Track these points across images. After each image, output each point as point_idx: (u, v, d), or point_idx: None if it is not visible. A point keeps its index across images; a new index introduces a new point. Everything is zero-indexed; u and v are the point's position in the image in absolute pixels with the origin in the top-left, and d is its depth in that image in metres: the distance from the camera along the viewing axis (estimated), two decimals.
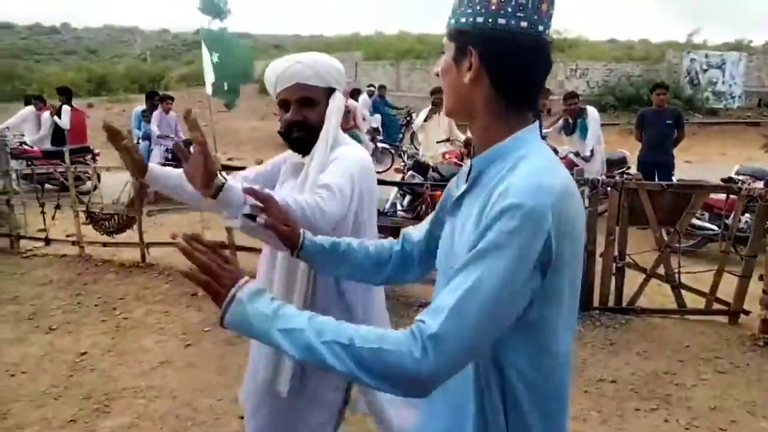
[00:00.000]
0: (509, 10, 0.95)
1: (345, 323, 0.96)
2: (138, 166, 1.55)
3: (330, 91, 1.68)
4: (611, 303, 4.20)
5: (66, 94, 9.02)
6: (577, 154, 6.78)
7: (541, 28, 0.98)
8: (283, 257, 1.63)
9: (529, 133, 1.02)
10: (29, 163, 7.74)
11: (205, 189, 1.25)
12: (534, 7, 0.96)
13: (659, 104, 6.72)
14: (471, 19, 0.98)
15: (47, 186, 7.56)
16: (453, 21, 1.03)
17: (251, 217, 1.22)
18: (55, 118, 8.83)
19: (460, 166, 6.91)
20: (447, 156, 6.79)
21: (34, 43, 51.39)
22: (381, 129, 12.37)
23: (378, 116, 13.00)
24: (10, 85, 23.43)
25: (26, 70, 32.68)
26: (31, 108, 9.07)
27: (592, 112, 6.87)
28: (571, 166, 6.83)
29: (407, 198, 5.60)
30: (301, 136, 1.65)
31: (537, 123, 1.04)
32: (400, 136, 13.36)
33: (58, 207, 5.75)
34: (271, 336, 0.96)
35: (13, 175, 6.34)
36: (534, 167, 0.95)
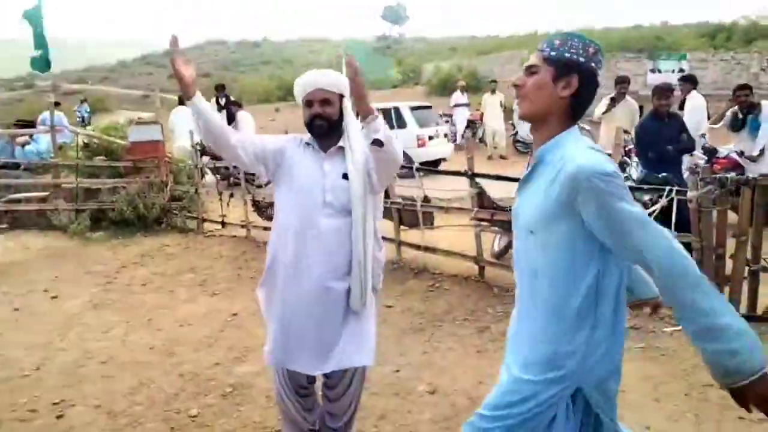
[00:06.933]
0: (597, 59, 1.53)
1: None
2: (186, 86, 2.12)
3: (341, 96, 2.28)
4: (744, 310, 3.88)
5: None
6: (741, 153, 6.16)
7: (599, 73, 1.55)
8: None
9: (574, 131, 1.53)
10: (214, 158, 9.13)
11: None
12: (601, 65, 1.54)
13: None
14: (575, 57, 1.50)
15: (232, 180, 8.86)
16: (554, 53, 1.51)
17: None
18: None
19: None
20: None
21: (241, 56, 58.33)
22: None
23: None
24: None
25: (233, 81, 37.54)
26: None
27: (767, 108, 6.16)
28: (734, 166, 6.23)
29: None
30: (322, 124, 2.24)
31: (577, 126, 1.56)
32: None
33: (231, 196, 6.81)
34: None
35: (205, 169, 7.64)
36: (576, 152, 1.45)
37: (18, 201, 7.42)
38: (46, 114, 10.02)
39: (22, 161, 8.54)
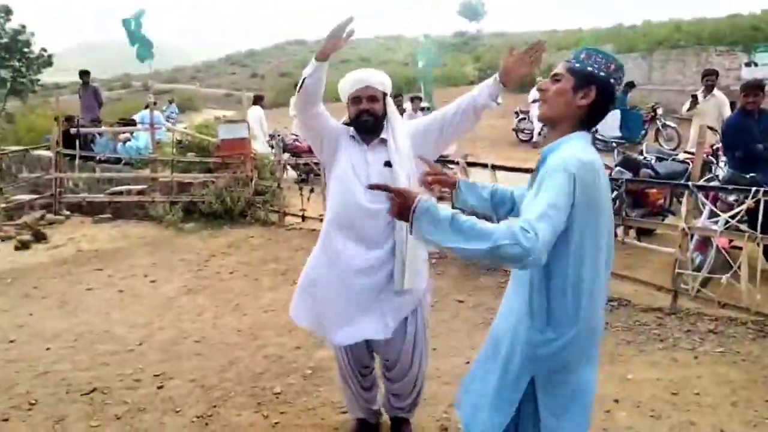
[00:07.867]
0: (617, 75, 1.68)
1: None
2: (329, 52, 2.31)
3: (385, 93, 2.48)
4: None
5: None
6: None
7: (617, 89, 1.70)
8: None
9: (581, 135, 1.69)
10: (295, 154, 9.54)
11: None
12: (620, 81, 1.69)
13: None
14: (597, 71, 1.66)
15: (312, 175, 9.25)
16: (578, 64, 1.68)
17: None
18: None
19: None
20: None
21: None
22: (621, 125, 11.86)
23: (616, 111, 12.41)
24: None
25: None
26: None
27: None
28: None
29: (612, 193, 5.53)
30: (369, 119, 2.44)
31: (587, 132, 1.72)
32: (643, 132, 12.59)
33: (312, 191, 7.13)
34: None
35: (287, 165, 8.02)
36: (571, 150, 1.61)
37: (120, 193, 8.12)
38: (143, 113, 10.84)
39: (123, 156, 9.32)
